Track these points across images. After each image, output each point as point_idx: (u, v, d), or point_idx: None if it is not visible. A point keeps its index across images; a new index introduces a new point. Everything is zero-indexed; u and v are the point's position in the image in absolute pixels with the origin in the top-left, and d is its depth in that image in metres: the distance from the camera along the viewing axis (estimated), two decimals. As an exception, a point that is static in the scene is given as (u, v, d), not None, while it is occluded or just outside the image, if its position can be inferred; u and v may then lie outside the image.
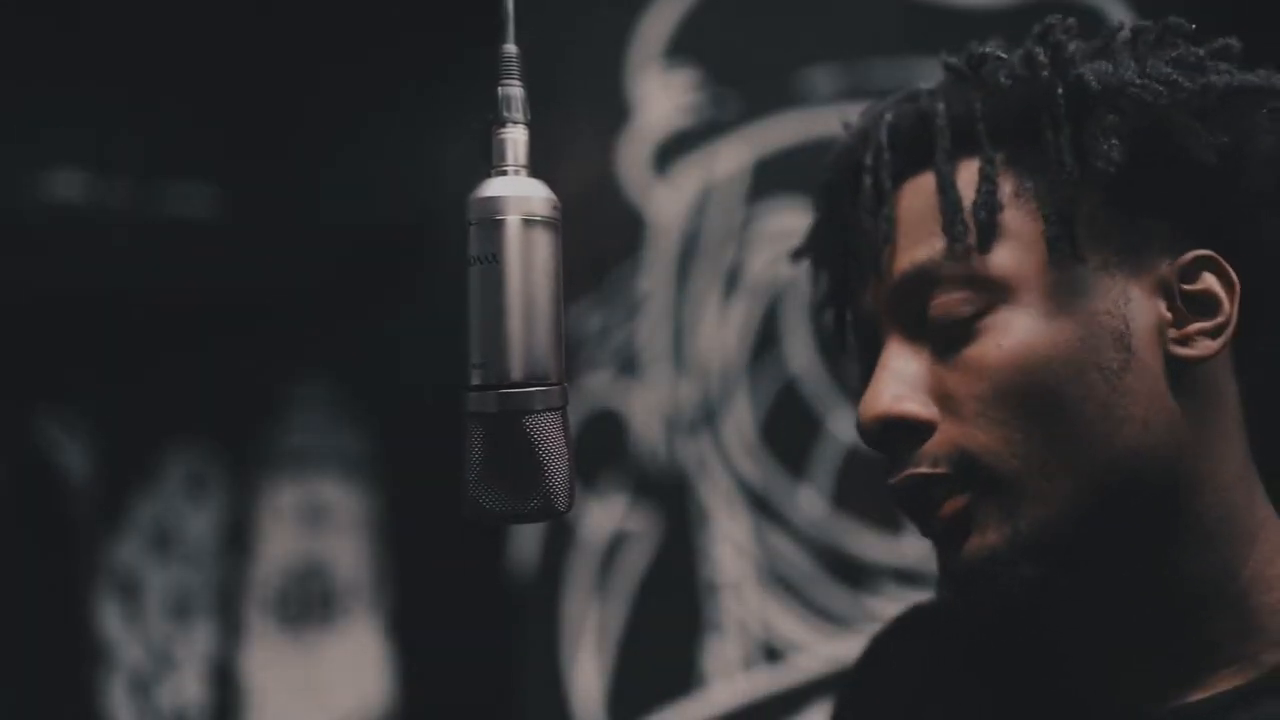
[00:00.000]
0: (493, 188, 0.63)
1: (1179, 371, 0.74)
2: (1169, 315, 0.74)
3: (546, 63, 2.20)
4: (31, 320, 2.36)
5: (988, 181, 0.75)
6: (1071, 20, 0.79)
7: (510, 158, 0.64)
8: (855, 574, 2.05)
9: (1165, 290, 0.74)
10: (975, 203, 0.75)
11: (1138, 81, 0.74)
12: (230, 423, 2.63)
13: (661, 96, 2.20)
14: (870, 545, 2.03)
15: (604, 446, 2.20)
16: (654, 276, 2.20)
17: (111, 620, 2.54)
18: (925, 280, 0.75)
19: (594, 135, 2.22)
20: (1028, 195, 0.75)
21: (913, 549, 2.00)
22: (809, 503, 2.09)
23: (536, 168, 0.66)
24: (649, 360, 2.20)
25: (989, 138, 0.76)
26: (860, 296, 0.82)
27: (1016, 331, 0.73)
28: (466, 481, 0.62)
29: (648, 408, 2.19)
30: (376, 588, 2.58)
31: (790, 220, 2.11)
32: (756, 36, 2.17)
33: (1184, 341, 0.74)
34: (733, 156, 2.17)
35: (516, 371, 0.61)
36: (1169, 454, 0.74)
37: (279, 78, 2.52)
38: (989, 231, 0.74)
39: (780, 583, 2.11)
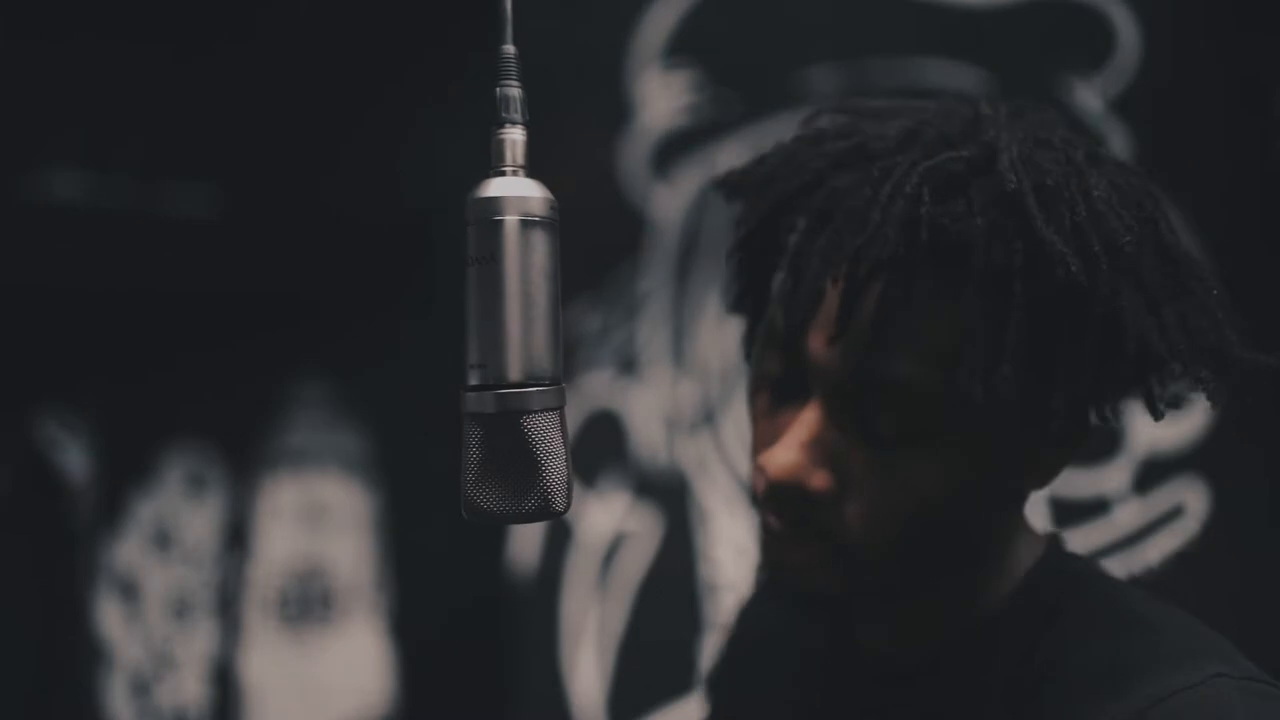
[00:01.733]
0: (491, 188, 0.63)
1: (1005, 499, 0.88)
2: (1030, 465, 0.85)
3: (546, 63, 2.20)
4: (31, 320, 2.36)
5: (1013, 356, 0.75)
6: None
7: (509, 158, 0.65)
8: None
9: (1038, 450, 0.83)
10: (999, 369, 0.75)
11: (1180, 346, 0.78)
12: (230, 423, 2.63)
13: (661, 96, 2.20)
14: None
15: (604, 446, 2.20)
16: (654, 276, 2.21)
17: (111, 620, 2.54)
18: (891, 391, 0.78)
19: (594, 135, 2.22)
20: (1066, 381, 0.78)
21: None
22: (809, 503, 2.10)
23: (536, 168, 0.66)
24: (649, 360, 2.21)
25: (1021, 303, 0.75)
26: (810, 334, 0.81)
27: (948, 465, 0.79)
28: (464, 481, 0.62)
29: (648, 408, 2.20)
30: (376, 588, 2.59)
31: (790, 220, 2.11)
32: (756, 36, 2.17)
33: (1031, 481, 0.87)
34: (733, 156, 2.17)
35: (514, 372, 0.61)
36: (978, 538, 0.88)
37: (279, 77, 2.52)
38: (990, 387, 0.75)
39: (780, 583, 2.11)
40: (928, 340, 0.77)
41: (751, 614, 1.16)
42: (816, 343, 0.80)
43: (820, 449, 0.80)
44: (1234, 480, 1.80)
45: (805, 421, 0.81)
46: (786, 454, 0.80)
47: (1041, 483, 0.85)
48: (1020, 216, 0.75)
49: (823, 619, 0.97)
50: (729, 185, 0.98)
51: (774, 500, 0.82)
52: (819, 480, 0.80)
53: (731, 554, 2.14)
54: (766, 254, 0.90)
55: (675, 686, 2.14)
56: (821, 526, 0.82)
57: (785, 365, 0.84)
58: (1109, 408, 0.83)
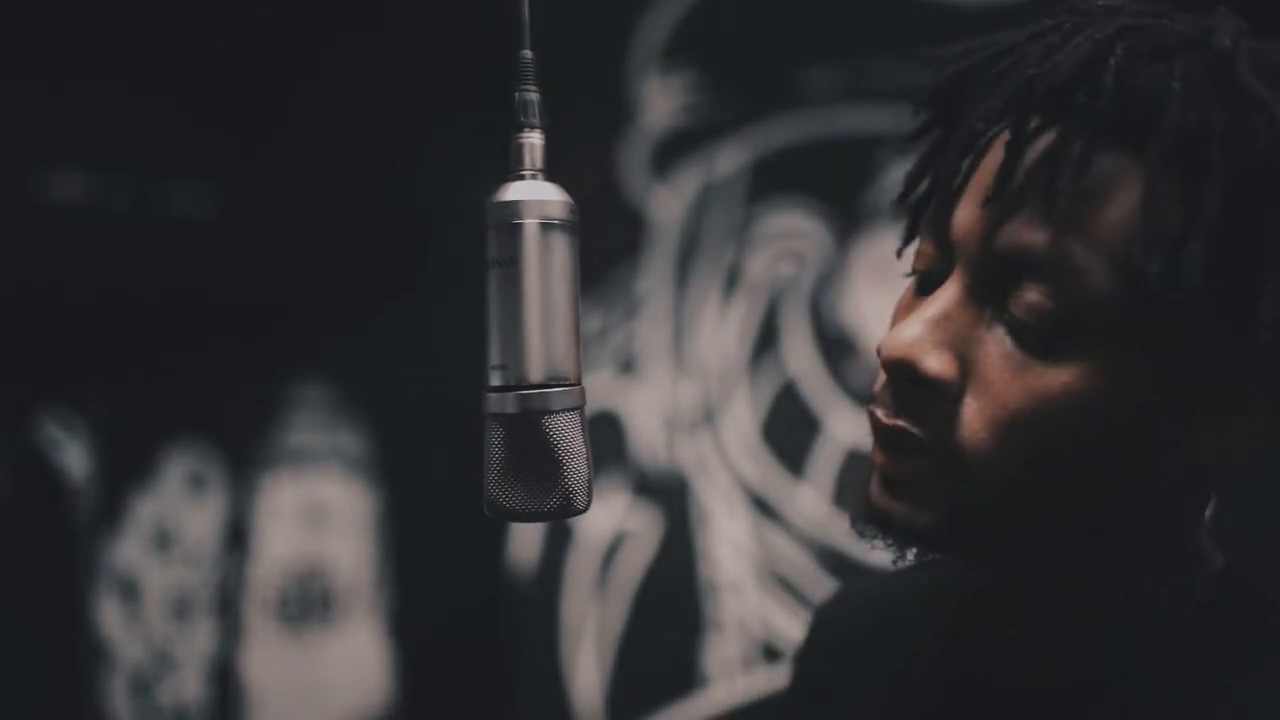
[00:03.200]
0: (511, 192, 0.64)
1: (1181, 470, 0.70)
2: (1207, 432, 0.69)
3: (547, 63, 2.20)
4: (31, 320, 2.36)
5: (1203, 227, 0.63)
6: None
7: (528, 162, 0.65)
8: (855, 574, 2.06)
9: (1219, 410, 0.69)
10: (1184, 245, 0.63)
11: None
12: (230, 423, 2.63)
13: (661, 96, 2.20)
14: (870, 545, 2.04)
15: (604, 446, 2.20)
16: (654, 276, 2.21)
17: (111, 620, 2.54)
18: (1042, 271, 0.65)
19: (594, 135, 2.23)
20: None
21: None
22: (809, 503, 2.10)
23: (545, 170, 0.66)
24: (649, 360, 2.21)
25: (1220, 171, 0.63)
26: (957, 210, 0.70)
27: (1094, 381, 0.65)
28: (487, 481, 0.63)
29: (648, 408, 2.20)
30: (376, 588, 2.59)
31: (790, 220, 2.12)
32: (756, 36, 2.17)
33: (1205, 453, 0.70)
34: (733, 156, 2.17)
35: (536, 373, 0.62)
36: (1126, 508, 0.72)
37: (280, 78, 2.52)
38: (1173, 285, 0.63)
39: (780, 583, 2.11)
40: (1096, 213, 0.64)
41: (858, 598, 1.04)
42: (965, 210, 0.69)
43: (949, 329, 0.68)
44: (1234, 480, 1.81)
45: (938, 298, 0.69)
46: (908, 328, 0.68)
47: (1229, 453, 0.69)
48: (1227, 81, 0.64)
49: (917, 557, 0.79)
50: (924, 64, 0.79)
51: (888, 385, 0.71)
52: (940, 363, 0.68)
53: (731, 553, 2.14)
54: (941, 134, 0.78)
55: (675, 686, 2.15)
56: (934, 427, 0.69)
57: (935, 252, 0.73)
58: None
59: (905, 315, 0.73)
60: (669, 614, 2.18)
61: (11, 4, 2.27)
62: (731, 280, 2.17)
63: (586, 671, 2.21)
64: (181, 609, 2.58)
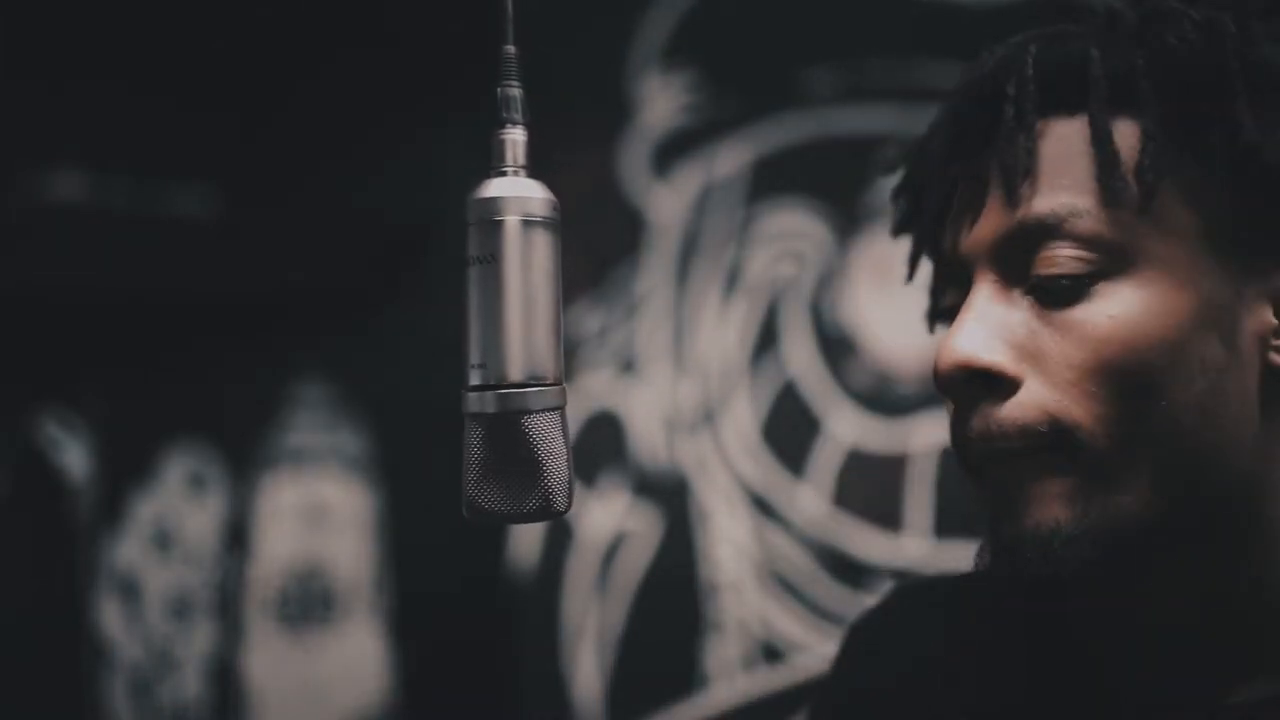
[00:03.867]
0: (492, 188, 0.63)
1: (1273, 381, 0.71)
2: (1274, 322, 0.71)
3: (546, 63, 2.20)
4: (31, 320, 2.36)
5: (1153, 142, 0.70)
6: None
7: (509, 158, 0.65)
8: (855, 574, 2.05)
9: (1275, 299, 0.71)
10: (1140, 164, 0.69)
11: None
12: (230, 423, 2.64)
13: (661, 96, 2.20)
14: (870, 545, 2.04)
15: (604, 446, 2.20)
16: (654, 276, 2.21)
17: (111, 620, 2.54)
18: (1046, 232, 0.70)
19: (594, 135, 2.22)
20: (1173, 172, 0.71)
21: (913, 548, 2.00)
22: (809, 503, 2.10)
23: (536, 168, 0.66)
24: (649, 360, 2.21)
25: (1157, 94, 0.71)
26: (955, 230, 0.76)
27: (1131, 305, 0.69)
28: (466, 481, 0.62)
29: (648, 408, 2.20)
30: (376, 588, 2.58)
31: (790, 220, 2.11)
32: (756, 36, 2.17)
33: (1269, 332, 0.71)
34: (733, 156, 2.17)
35: (515, 372, 0.61)
36: (1250, 459, 0.71)
37: (279, 78, 2.52)
38: (1150, 196, 0.69)
39: (780, 583, 2.11)
40: (1068, 171, 0.71)
41: (913, 612, 0.98)
42: (962, 231, 0.75)
43: (990, 323, 0.71)
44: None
45: (970, 304, 0.72)
46: (953, 339, 0.71)
47: None
48: (1133, 29, 0.73)
49: (1061, 609, 0.79)
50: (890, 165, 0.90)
51: (953, 395, 0.73)
52: (995, 354, 0.70)
53: (731, 553, 2.14)
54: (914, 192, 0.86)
55: (675, 686, 2.14)
56: (1025, 432, 0.69)
57: (957, 288, 0.76)
58: None
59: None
60: (669, 614, 2.18)
61: (12, 4, 2.27)
62: (731, 280, 2.16)
63: (586, 671, 2.21)
64: (181, 609, 2.58)
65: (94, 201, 2.32)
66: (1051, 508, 0.69)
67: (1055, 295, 0.70)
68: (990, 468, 0.72)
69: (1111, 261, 0.69)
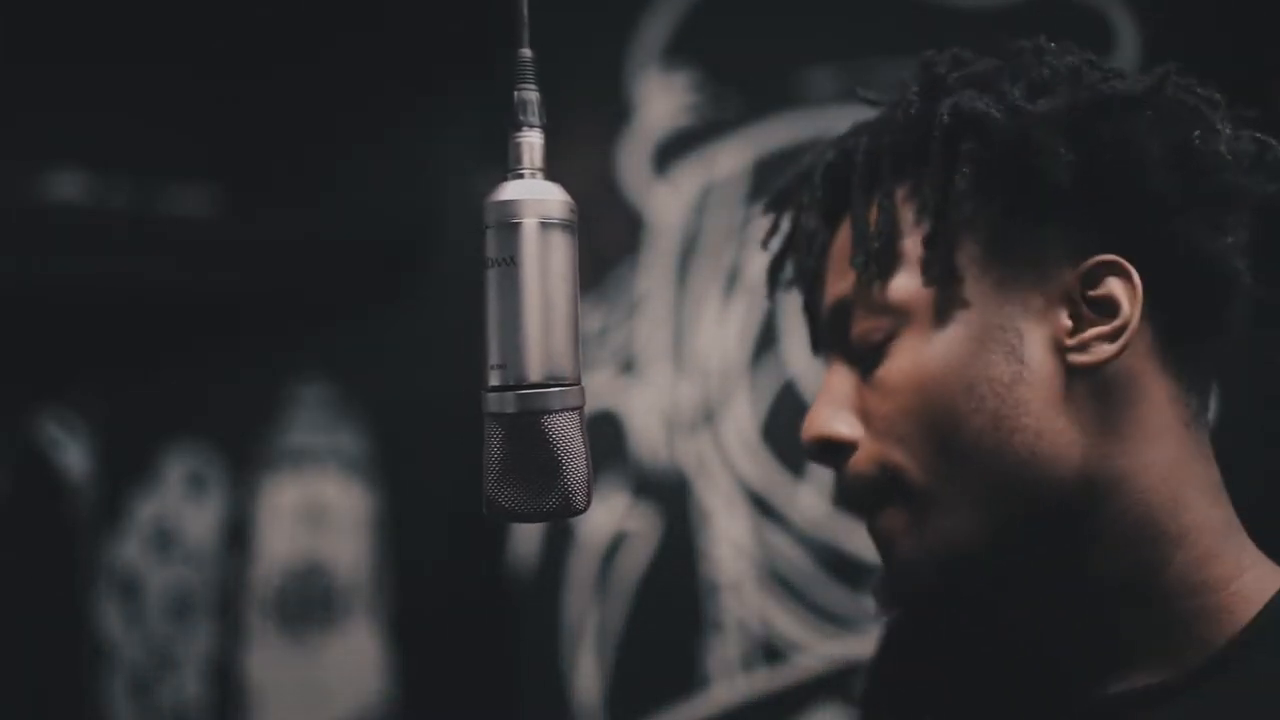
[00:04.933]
0: (509, 191, 0.63)
1: (1080, 378, 0.75)
2: (1068, 323, 0.75)
3: (546, 63, 2.19)
4: (32, 320, 2.36)
5: (884, 213, 0.79)
6: (958, 51, 0.84)
7: (526, 161, 0.65)
8: (855, 574, 2.06)
9: (1068, 298, 0.76)
10: (871, 234, 0.80)
11: (992, 111, 0.76)
12: (230, 423, 2.63)
13: (661, 96, 2.20)
14: (870, 545, 2.04)
15: (604, 446, 2.20)
16: (654, 276, 2.21)
17: (111, 620, 2.54)
18: (845, 310, 0.81)
19: (594, 135, 2.23)
20: (925, 223, 0.78)
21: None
22: (809, 503, 2.10)
23: (545, 169, 0.66)
24: (649, 360, 2.21)
25: (892, 171, 0.80)
26: (815, 318, 0.90)
27: (911, 354, 0.77)
28: (486, 481, 0.62)
29: (648, 408, 2.20)
30: (376, 588, 2.58)
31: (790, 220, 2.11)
32: (756, 36, 2.17)
33: (1081, 348, 0.75)
34: (733, 156, 2.17)
35: (535, 372, 0.62)
36: (1072, 460, 0.75)
37: (279, 78, 2.52)
38: (885, 260, 0.79)
39: (780, 582, 2.11)
40: (841, 252, 0.82)
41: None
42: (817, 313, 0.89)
43: (837, 396, 0.82)
44: (1234, 480, 1.81)
45: (824, 382, 0.84)
46: (812, 415, 0.82)
47: (1095, 353, 0.75)
48: (900, 119, 0.82)
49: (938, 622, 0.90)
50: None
51: (819, 462, 0.84)
52: (844, 425, 0.81)
53: (731, 553, 2.14)
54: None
55: (675, 686, 2.15)
56: (876, 483, 0.79)
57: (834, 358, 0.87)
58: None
59: None
60: (669, 614, 2.18)
61: (12, 4, 2.27)
62: (731, 280, 2.17)
63: (586, 671, 2.21)
64: (181, 609, 2.58)
65: (94, 201, 2.31)
66: (900, 541, 0.79)
67: (867, 361, 0.80)
68: (862, 517, 0.83)
69: (896, 321, 0.78)
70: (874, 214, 0.81)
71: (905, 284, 0.78)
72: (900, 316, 0.78)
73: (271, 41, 2.48)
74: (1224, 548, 0.77)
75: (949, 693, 0.90)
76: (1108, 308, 0.75)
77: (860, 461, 0.80)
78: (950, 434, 0.76)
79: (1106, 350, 0.74)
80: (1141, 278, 0.74)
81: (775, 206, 0.94)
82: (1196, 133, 0.77)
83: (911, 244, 0.78)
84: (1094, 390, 0.75)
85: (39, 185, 2.27)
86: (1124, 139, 0.75)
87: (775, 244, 0.96)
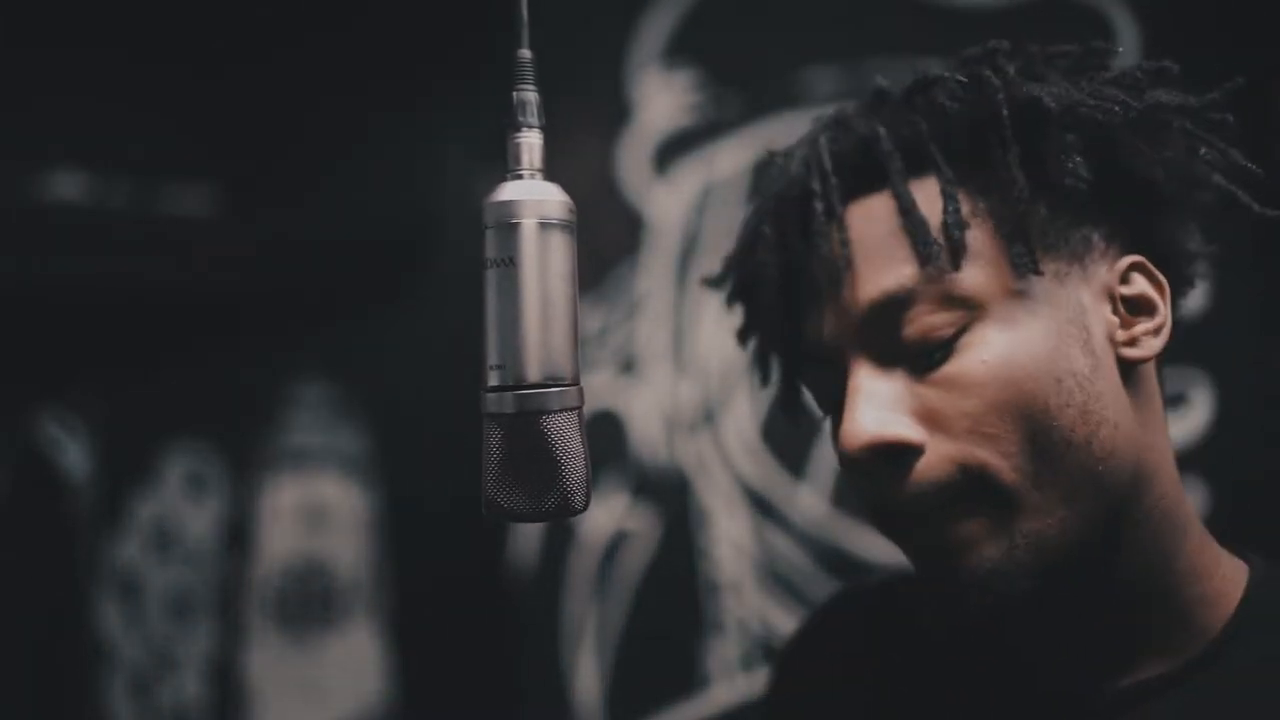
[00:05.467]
0: (508, 191, 0.64)
1: (1129, 372, 0.78)
2: (1115, 319, 0.78)
3: (546, 63, 2.20)
4: (31, 320, 2.36)
5: (952, 200, 0.76)
6: (1006, 44, 0.82)
7: (525, 161, 0.65)
8: (855, 574, 2.05)
9: (1109, 295, 0.78)
10: (945, 222, 0.76)
11: (1090, 101, 0.76)
12: (230, 423, 2.63)
13: (661, 96, 2.20)
14: (870, 545, 2.04)
15: (604, 446, 2.20)
16: (654, 276, 2.21)
17: (111, 620, 2.54)
18: (898, 304, 0.76)
19: (594, 135, 2.22)
20: (982, 214, 0.77)
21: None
22: (809, 503, 2.10)
23: (544, 170, 0.66)
24: (649, 360, 2.21)
25: (946, 159, 0.78)
26: (811, 324, 0.82)
27: (996, 346, 0.74)
28: (485, 481, 0.62)
29: (648, 408, 2.20)
30: (376, 588, 2.58)
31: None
32: (756, 36, 2.17)
33: (1132, 343, 0.78)
34: (733, 156, 2.17)
35: (534, 373, 0.62)
36: (1133, 453, 0.77)
37: (279, 78, 2.52)
38: (960, 250, 0.76)
39: (780, 583, 2.11)
40: (889, 242, 0.78)
41: (845, 617, 1.04)
42: (821, 320, 0.81)
43: (884, 399, 0.76)
44: (1234, 480, 1.81)
45: (855, 389, 0.78)
46: (855, 420, 0.76)
47: (1143, 349, 0.78)
48: (919, 101, 0.81)
49: (1016, 638, 0.84)
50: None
51: (866, 474, 0.77)
52: (901, 426, 0.75)
53: (731, 553, 2.14)
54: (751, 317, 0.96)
55: (675, 686, 2.14)
56: (951, 481, 0.75)
57: (829, 374, 0.82)
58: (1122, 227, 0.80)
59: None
60: (669, 614, 2.18)
61: (12, 4, 2.27)
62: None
63: (586, 671, 2.21)
64: (181, 609, 2.58)
65: (94, 201, 2.31)
66: (982, 549, 0.74)
67: (927, 358, 0.76)
68: (917, 530, 0.77)
69: (965, 313, 0.75)
70: (927, 200, 0.78)
71: (977, 275, 0.76)
72: (972, 308, 0.75)
73: (272, 41, 2.48)
74: (1205, 536, 0.82)
75: (950, 692, 0.88)
76: (1142, 306, 0.78)
77: (933, 465, 0.75)
78: (1044, 430, 0.73)
79: (1153, 346, 0.78)
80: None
81: (758, 217, 0.90)
82: (1204, 151, 0.80)
83: (973, 234, 0.77)
84: (1137, 385, 0.79)
85: (39, 185, 2.27)
86: (1169, 147, 0.79)
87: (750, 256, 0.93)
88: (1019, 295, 0.75)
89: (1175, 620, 0.78)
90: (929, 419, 0.76)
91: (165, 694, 2.56)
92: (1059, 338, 0.75)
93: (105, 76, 2.37)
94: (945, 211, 0.76)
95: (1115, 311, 0.78)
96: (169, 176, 2.41)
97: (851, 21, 2.10)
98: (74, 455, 2.50)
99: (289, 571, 2.60)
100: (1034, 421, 0.73)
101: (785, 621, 2.10)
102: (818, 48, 2.11)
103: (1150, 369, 0.80)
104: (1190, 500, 0.82)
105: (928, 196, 0.78)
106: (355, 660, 2.58)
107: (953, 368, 0.75)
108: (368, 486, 2.60)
